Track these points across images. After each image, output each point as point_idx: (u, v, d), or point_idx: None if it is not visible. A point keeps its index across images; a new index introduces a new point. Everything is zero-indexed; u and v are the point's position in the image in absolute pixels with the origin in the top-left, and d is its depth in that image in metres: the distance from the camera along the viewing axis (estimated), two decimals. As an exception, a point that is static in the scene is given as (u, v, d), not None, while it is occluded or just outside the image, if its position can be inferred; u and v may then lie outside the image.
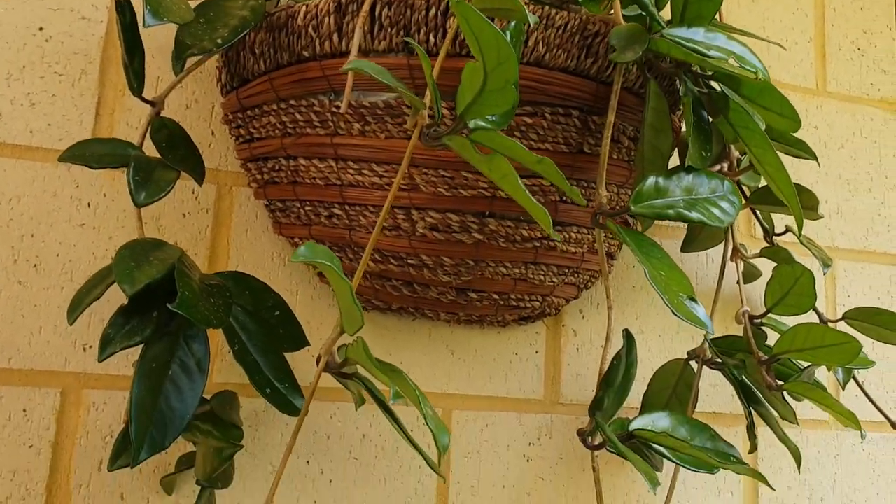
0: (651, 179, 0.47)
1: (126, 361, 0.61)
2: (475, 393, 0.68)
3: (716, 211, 0.48)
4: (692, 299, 0.43)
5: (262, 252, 0.65)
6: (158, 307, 0.49)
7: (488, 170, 0.44)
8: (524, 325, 0.70)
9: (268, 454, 0.62)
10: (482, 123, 0.44)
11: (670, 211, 0.46)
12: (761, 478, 0.48)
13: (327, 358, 0.42)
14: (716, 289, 0.66)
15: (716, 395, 0.74)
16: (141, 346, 0.49)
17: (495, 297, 0.62)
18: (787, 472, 0.75)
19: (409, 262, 0.59)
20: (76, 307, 0.48)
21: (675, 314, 0.41)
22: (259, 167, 0.62)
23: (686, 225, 0.70)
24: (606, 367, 0.47)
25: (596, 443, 0.48)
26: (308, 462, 0.63)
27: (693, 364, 0.65)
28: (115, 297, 0.48)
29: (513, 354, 0.70)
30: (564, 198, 0.58)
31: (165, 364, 0.49)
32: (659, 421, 0.49)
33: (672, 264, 0.45)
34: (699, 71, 0.51)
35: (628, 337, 0.49)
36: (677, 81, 0.54)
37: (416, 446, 0.41)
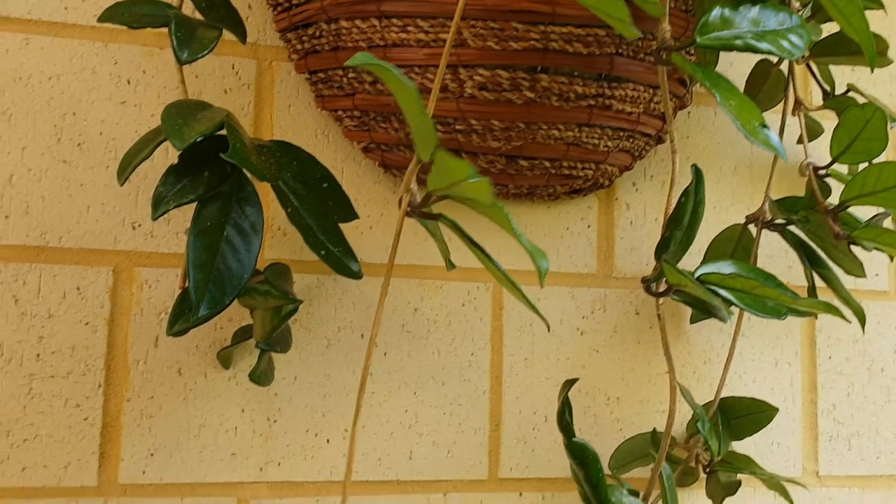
0: (717, 11, 0.45)
1: (177, 239, 0.60)
2: (526, 268, 0.67)
3: (784, 43, 0.45)
4: (765, 126, 0.41)
5: (305, 128, 0.64)
6: (209, 167, 0.48)
7: None
8: (575, 197, 0.68)
9: (322, 328, 0.62)
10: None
11: (738, 42, 0.44)
12: (836, 311, 0.46)
13: (409, 197, 0.39)
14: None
15: (772, 265, 0.72)
16: (193, 210, 0.48)
17: (546, 164, 0.60)
18: (847, 343, 0.73)
19: (457, 127, 0.57)
20: (125, 167, 0.48)
21: (748, 139, 0.39)
22: (299, 36, 0.60)
23: (744, 81, 0.66)
24: (672, 208, 0.46)
25: (661, 290, 0.47)
26: (362, 336, 0.63)
27: (752, 228, 0.64)
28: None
29: (564, 229, 0.68)
30: (620, 50, 0.56)
31: (220, 224, 0.48)
32: (724, 268, 0.48)
33: (742, 95, 0.43)
34: None
35: (697, 173, 0.47)
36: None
37: (512, 284, 0.38)
